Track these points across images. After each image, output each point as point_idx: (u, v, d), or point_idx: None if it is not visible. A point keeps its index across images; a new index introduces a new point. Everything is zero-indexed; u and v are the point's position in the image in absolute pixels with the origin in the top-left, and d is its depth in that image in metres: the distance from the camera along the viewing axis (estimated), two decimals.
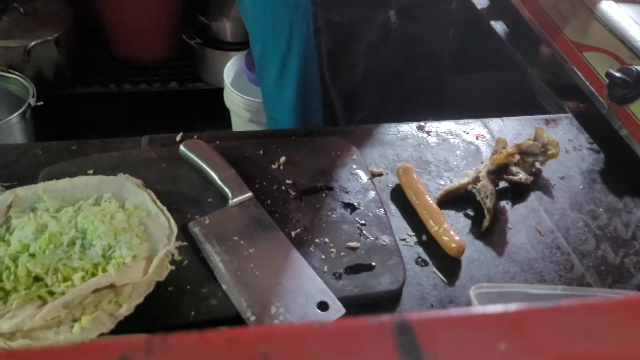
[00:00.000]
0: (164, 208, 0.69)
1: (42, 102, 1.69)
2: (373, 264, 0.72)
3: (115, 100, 2.10)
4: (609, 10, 1.00)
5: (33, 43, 1.85)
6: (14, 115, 1.64)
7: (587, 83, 0.98)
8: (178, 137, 0.88)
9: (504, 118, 1.02)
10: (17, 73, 1.78)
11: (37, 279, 0.58)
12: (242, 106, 1.76)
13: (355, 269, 0.72)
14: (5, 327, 0.52)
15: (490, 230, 0.80)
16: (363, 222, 0.78)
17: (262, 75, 1.21)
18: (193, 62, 2.18)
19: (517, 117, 1.02)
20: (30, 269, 0.57)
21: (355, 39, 1.07)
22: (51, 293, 0.56)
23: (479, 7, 1.32)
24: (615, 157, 0.93)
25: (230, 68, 1.87)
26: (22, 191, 0.66)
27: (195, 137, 0.87)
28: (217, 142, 0.87)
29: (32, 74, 1.86)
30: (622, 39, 0.94)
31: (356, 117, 1.16)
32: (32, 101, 1.68)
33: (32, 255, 0.59)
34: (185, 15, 2.15)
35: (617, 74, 0.90)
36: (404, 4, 1.07)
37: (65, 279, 0.57)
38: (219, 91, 1.88)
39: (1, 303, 0.56)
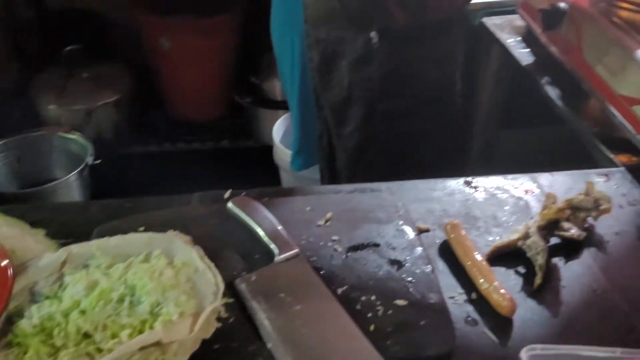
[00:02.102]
0: (212, 264, 0.70)
1: (99, 161, 1.77)
2: (421, 323, 0.71)
3: (170, 158, 2.19)
4: None
5: (95, 106, 1.96)
6: (72, 174, 1.72)
7: (638, 137, 0.96)
8: (227, 195, 0.90)
9: (554, 173, 1.00)
10: (78, 133, 1.88)
11: (86, 335, 0.59)
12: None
13: (402, 328, 0.70)
14: None
15: (542, 288, 0.78)
16: (410, 279, 0.77)
17: (283, 86, 1.43)
18: (244, 121, 2.26)
19: (567, 172, 1.00)
20: (80, 325, 0.59)
21: (340, 56, 1.17)
22: (99, 350, 0.58)
23: (524, 63, 1.32)
24: None
25: (280, 126, 1.92)
26: (75, 248, 0.69)
27: (243, 194, 0.89)
28: (265, 198, 0.89)
29: (92, 134, 1.96)
30: None
31: (344, 130, 1.25)
32: (90, 160, 1.77)
33: (83, 312, 0.61)
34: (237, 76, 2.24)
35: None
36: (384, 27, 1.13)
37: (113, 336, 0.58)
38: (269, 149, 1.93)
39: (51, 359, 0.57)
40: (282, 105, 2.06)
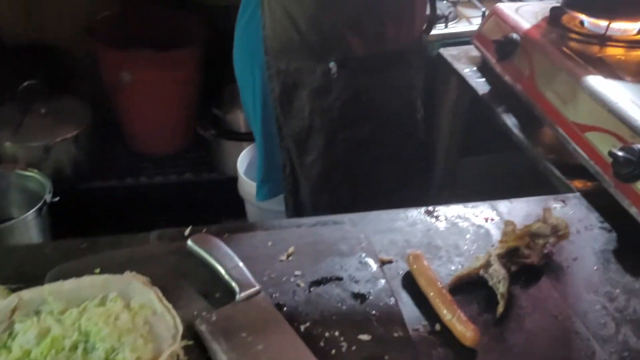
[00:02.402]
0: (170, 306, 0.68)
1: (58, 198, 1.73)
2: (386, 358, 0.70)
3: (133, 193, 2.15)
4: (606, 91, 1.02)
5: (53, 142, 1.92)
6: (30, 212, 1.67)
7: (591, 163, 0.98)
8: (187, 232, 0.88)
9: (512, 200, 1.01)
10: (36, 170, 1.83)
11: None
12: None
13: None
14: None
15: (505, 316, 0.78)
16: (374, 312, 0.76)
17: (247, 117, 1.45)
18: (208, 153, 2.24)
19: (525, 199, 1.02)
20: None
21: (300, 87, 1.19)
22: None
23: (481, 92, 1.35)
24: (628, 236, 0.92)
25: (244, 158, 1.91)
26: (27, 294, 0.67)
27: (204, 230, 0.88)
28: (226, 234, 0.87)
29: (50, 170, 1.91)
30: (622, 119, 0.95)
31: (307, 159, 1.26)
32: (48, 197, 1.72)
33: None
34: (199, 108, 2.23)
35: (620, 153, 0.90)
36: (343, 58, 1.16)
37: None
38: (234, 181, 1.92)
39: None
40: (246, 137, 2.06)
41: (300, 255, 0.85)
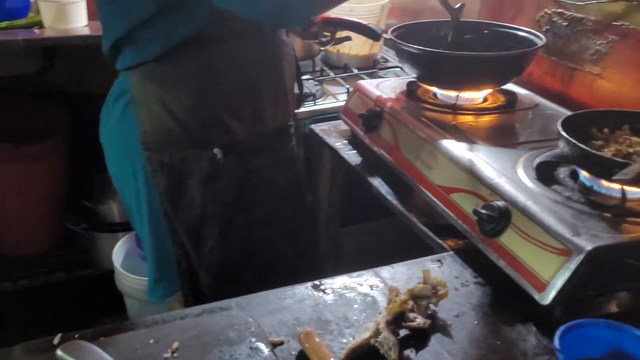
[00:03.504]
0: None
1: None
2: None
3: None
4: (462, 155, 1.11)
5: None
6: None
7: (459, 222, 1.05)
8: (56, 340, 0.80)
9: (394, 265, 1.05)
10: None
11: None
12: (135, 287, 1.69)
13: None
14: None
15: None
16: None
17: (130, 219, 1.34)
18: (80, 249, 2.09)
19: (405, 262, 1.06)
20: None
21: (188, 177, 1.16)
22: None
23: (354, 163, 1.41)
24: (500, 287, 0.98)
25: (119, 250, 1.82)
26: None
27: (76, 336, 0.81)
28: (102, 338, 0.81)
29: None
30: (480, 180, 1.04)
31: (203, 250, 1.22)
32: None
33: None
34: (68, 202, 2.10)
35: (483, 211, 0.97)
36: (228, 143, 1.16)
37: None
38: (111, 274, 1.80)
39: None
40: (121, 228, 1.96)
41: (186, 350, 0.81)
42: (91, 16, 1.78)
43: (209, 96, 1.13)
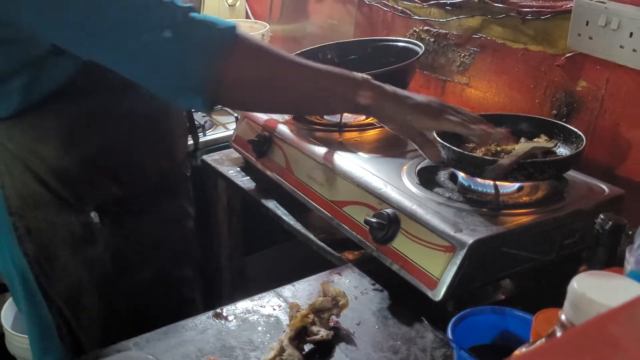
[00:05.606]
0: None
1: None
2: None
3: None
4: (350, 169, 1.15)
5: None
6: None
7: (353, 233, 1.08)
8: None
9: (295, 283, 1.06)
10: None
11: None
12: (29, 348, 1.56)
13: None
14: None
15: None
16: None
17: (8, 286, 1.16)
18: None
19: (306, 279, 1.07)
20: None
21: (60, 243, 1.05)
22: None
23: (249, 190, 1.41)
24: (397, 291, 1.01)
25: (8, 310, 1.69)
26: None
27: None
28: None
29: None
30: (368, 190, 1.08)
31: (84, 320, 1.11)
32: None
33: None
34: None
35: (373, 220, 1.01)
36: (104, 205, 1.09)
37: None
38: (1, 337, 1.67)
39: None
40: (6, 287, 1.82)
41: None
42: None
43: (74, 156, 1.01)
